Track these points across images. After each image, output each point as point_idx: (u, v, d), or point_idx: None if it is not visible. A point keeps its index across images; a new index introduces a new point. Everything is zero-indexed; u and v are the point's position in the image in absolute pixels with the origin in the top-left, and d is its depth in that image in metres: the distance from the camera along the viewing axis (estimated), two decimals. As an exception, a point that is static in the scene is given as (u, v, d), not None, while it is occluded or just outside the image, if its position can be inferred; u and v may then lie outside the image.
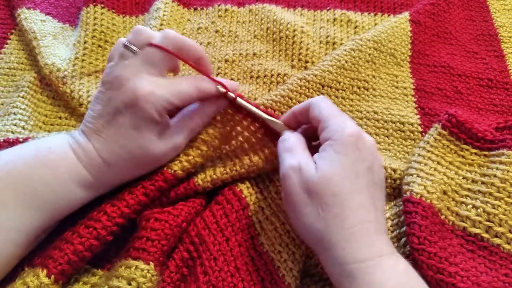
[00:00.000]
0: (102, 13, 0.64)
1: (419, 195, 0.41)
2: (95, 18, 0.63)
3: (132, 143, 0.39)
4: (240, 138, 0.44)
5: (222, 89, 0.41)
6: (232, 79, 0.59)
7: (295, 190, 0.35)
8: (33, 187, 0.37)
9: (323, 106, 0.38)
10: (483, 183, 0.43)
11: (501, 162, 0.43)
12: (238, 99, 0.42)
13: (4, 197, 0.36)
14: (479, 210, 0.41)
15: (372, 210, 0.35)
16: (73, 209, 0.39)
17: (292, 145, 0.38)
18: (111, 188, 0.41)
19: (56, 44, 0.61)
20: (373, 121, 0.54)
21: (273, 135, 0.43)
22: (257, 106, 0.42)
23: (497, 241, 0.40)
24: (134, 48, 0.39)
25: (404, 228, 0.40)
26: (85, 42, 0.60)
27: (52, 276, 0.36)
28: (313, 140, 0.42)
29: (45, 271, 0.36)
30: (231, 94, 0.42)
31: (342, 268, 0.33)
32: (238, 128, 0.44)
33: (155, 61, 0.39)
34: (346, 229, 0.33)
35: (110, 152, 0.39)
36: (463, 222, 0.41)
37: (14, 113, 0.52)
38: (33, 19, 0.63)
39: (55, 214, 0.38)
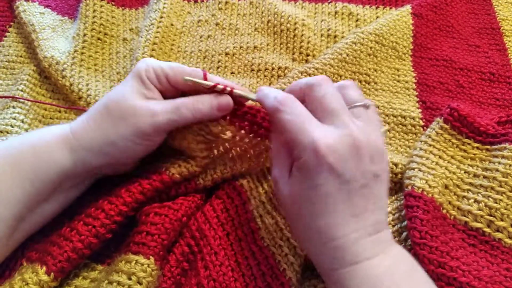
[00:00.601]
0: (101, 6, 0.63)
1: (420, 189, 0.41)
2: (94, 11, 0.62)
3: (113, 91, 0.40)
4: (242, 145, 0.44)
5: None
6: (232, 73, 0.59)
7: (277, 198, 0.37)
8: (17, 152, 0.37)
9: (284, 122, 0.33)
10: (485, 177, 0.43)
11: (503, 156, 0.43)
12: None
13: None
14: (480, 204, 0.41)
15: (348, 223, 0.32)
16: (57, 177, 0.38)
17: (274, 155, 0.37)
18: (92, 156, 0.38)
19: (55, 36, 0.60)
20: (374, 115, 0.54)
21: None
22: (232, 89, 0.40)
23: (498, 235, 0.39)
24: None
25: (405, 223, 0.40)
26: (84, 35, 0.60)
27: (52, 273, 0.36)
28: None
29: (44, 268, 0.36)
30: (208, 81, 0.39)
31: (322, 273, 0.34)
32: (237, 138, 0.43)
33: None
34: (315, 246, 0.33)
35: (95, 104, 0.40)
36: (465, 216, 0.41)
37: (13, 107, 0.52)
38: (31, 12, 0.62)
39: (38, 182, 0.37)
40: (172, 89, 0.40)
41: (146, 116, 0.38)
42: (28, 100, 0.53)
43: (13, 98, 0.53)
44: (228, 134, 0.41)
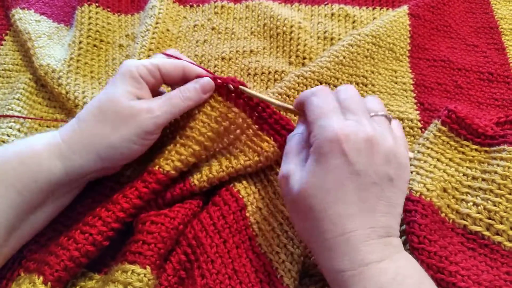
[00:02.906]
0: (97, 12, 0.63)
1: (418, 193, 0.40)
2: (90, 18, 0.62)
3: (103, 94, 0.40)
4: (232, 136, 0.44)
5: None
6: (229, 77, 0.59)
7: (285, 199, 0.37)
8: (6, 161, 0.37)
9: (312, 105, 0.36)
10: (483, 180, 0.42)
11: (502, 158, 0.43)
12: (244, 88, 0.43)
13: None
14: (479, 207, 0.40)
15: (359, 217, 0.32)
16: (47, 185, 0.38)
17: (287, 149, 0.38)
18: (86, 161, 0.38)
19: (51, 44, 0.60)
20: (372, 117, 0.53)
21: (271, 128, 0.43)
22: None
23: (498, 239, 0.39)
24: None
25: (403, 227, 0.40)
26: (80, 42, 0.59)
27: (49, 283, 0.36)
28: None
29: (41, 278, 0.36)
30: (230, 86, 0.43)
31: (328, 275, 0.33)
32: (232, 126, 0.43)
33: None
34: (325, 240, 0.33)
35: (84, 108, 0.40)
36: (464, 220, 0.40)
37: (10, 116, 0.52)
38: (27, 20, 0.62)
39: (26, 191, 0.37)
40: (159, 84, 0.43)
41: (145, 114, 0.39)
42: (22, 117, 0.52)
43: (4, 116, 0.52)
44: (234, 114, 0.44)
